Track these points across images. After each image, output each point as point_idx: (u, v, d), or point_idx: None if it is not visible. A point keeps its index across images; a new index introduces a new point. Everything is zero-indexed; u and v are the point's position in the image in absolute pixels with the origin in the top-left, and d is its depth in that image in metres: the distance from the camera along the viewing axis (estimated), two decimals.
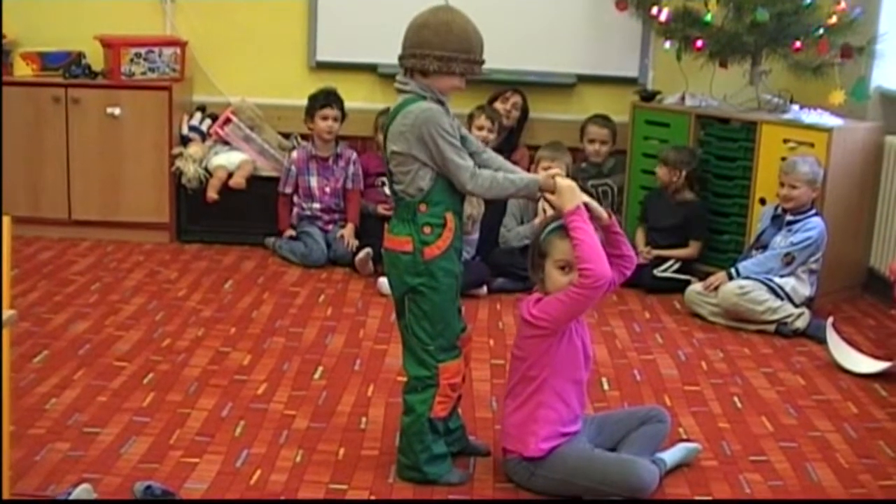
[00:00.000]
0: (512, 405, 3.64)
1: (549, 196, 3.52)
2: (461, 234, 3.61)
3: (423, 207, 3.51)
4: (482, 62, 3.59)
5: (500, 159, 3.74)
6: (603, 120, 6.63)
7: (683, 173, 6.08)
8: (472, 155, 3.57)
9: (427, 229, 3.51)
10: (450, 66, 3.50)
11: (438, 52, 3.48)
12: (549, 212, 3.80)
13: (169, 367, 4.60)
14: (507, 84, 6.68)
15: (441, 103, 3.55)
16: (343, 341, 5.02)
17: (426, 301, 3.54)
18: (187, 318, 5.24)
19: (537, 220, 5.83)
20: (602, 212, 3.55)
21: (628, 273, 3.65)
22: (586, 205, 3.49)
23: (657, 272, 5.99)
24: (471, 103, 6.43)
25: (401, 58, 3.57)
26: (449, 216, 3.53)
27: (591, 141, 6.62)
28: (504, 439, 3.69)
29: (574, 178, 3.70)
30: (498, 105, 6.58)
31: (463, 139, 3.58)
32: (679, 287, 5.84)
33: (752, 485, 3.75)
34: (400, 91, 3.60)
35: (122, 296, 5.52)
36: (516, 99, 6.69)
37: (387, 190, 3.80)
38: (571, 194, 3.48)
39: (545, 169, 5.42)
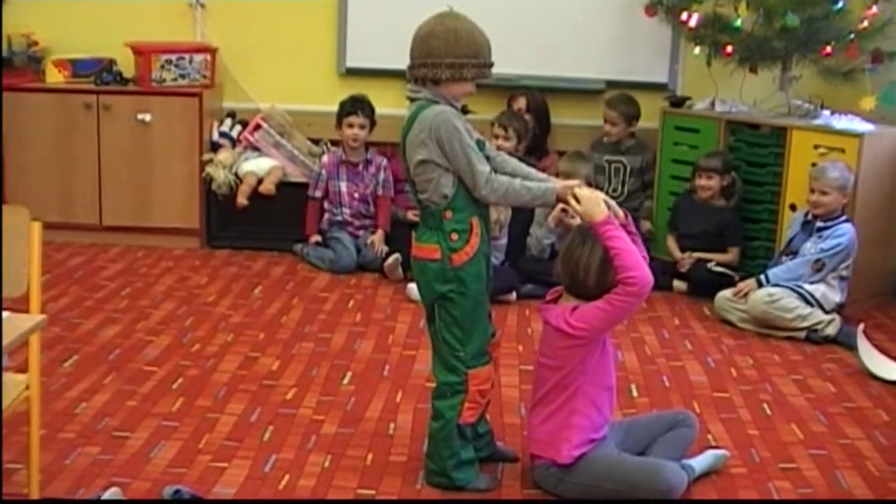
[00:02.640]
0: (543, 413, 3.62)
1: (575, 205, 3.50)
2: (488, 239, 3.61)
3: (448, 214, 3.50)
4: (491, 65, 3.57)
5: (513, 162, 3.73)
6: (616, 100, 6.59)
7: (727, 179, 6.06)
8: (486, 159, 3.57)
9: (454, 236, 3.50)
10: (462, 73, 3.49)
11: (449, 60, 3.47)
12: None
13: (198, 372, 4.62)
14: (522, 89, 6.68)
15: (454, 108, 3.56)
16: (372, 347, 5.03)
17: (456, 307, 3.54)
18: (216, 323, 5.26)
19: (550, 220, 5.81)
20: (619, 210, 3.54)
21: None
22: (605, 204, 3.49)
23: (710, 266, 5.96)
24: (496, 109, 6.52)
25: (410, 68, 3.56)
26: (475, 221, 3.53)
27: (605, 121, 6.60)
28: (533, 446, 3.67)
29: (597, 187, 3.68)
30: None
31: (479, 143, 3.57)
32: (729, 283, 5.80)
33: (782, 492, 3.73)
34: (412, 99, 3.60)
35: (151, 301, 5.55)
36: (520, 104, 6.65)
37: None
38: (598, 205, 3.46)
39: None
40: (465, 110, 6.21)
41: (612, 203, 3.52)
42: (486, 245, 3.58)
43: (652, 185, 6.63)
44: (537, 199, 3.57)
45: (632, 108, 6.58)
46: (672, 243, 6.24)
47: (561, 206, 3.70)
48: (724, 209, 6.10)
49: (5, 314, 2.81)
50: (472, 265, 3.53)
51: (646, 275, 3.38)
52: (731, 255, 6.09)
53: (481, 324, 3.61)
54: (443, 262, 3.51)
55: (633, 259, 3.39)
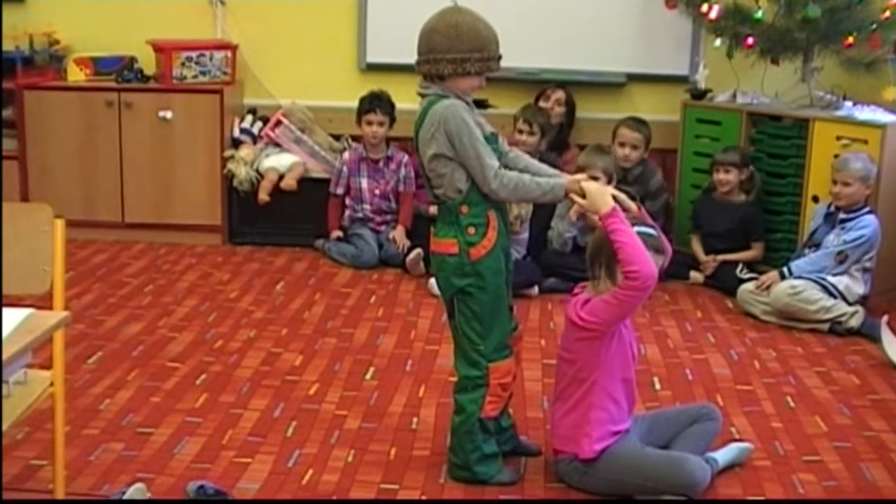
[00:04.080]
0: (563, 408, 3.62)
1: (579, 200, 3.49)
2: (507, 232, 3.61)
3: (464, 209, 3.50)
4: (498, 58, 3.54)
5: (526, 158, 3.72)
6: (636, 123, 6.30)
7: (745, 173, 6.03)
8: (499, 154, 3.56)
9: (471, 230, 3.50)
10: (464, 68, 3.47)
11: (451, 55, 3.45)
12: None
13: (221, 368, 4.64)
14: (553, 83, 6.66)
15: (464, 102, 3.54)
16: (394, 342, 5.03)
17: (475, 301, 3.54)
18: (239, 319, 5.28)
19: (572, 214, 5.78)
20: (630, 203, 3.52)
21: (665, 265, 3.61)
22: (614, 197, 3.47)
23: (739, 274, 5.90)
24: (518, 103, 6.45)
25: (417, 64, 3.56)
26: (491, 215, 3.53)
27: (622, 144, 6.23)
28: (555, 441, 3.67)
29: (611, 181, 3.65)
30: (541, 103, 6.55)
31: (491, 137, 3.56)
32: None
33: (806, 485, 3.72)
34: (422, 95, 3.60)
35: (174, 298, 5.57)
36: (559, 95, 6.62)
37: None
38: (602, 197, 3.45)
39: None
40: (484, 104, 6.23)
41: (622, 196, 3.50)
42: (504, 239, 3.58)
43: (668, 207, 6.47)
44: (546, 193, 3.55)
45: (649, 131, 6.31)
46: (696, 245, 6.21)
47: None
48: (744, 204, 6.07)
49: (30, 311, 2.82)
50: (490, 259, 3.52)
51: (648, 269, 3.36)
52: (756, 250, 6.06)
53: (501, 317, 3.60)
54: (460, 257, 3.51)
55: (636, 253, 3.37)
